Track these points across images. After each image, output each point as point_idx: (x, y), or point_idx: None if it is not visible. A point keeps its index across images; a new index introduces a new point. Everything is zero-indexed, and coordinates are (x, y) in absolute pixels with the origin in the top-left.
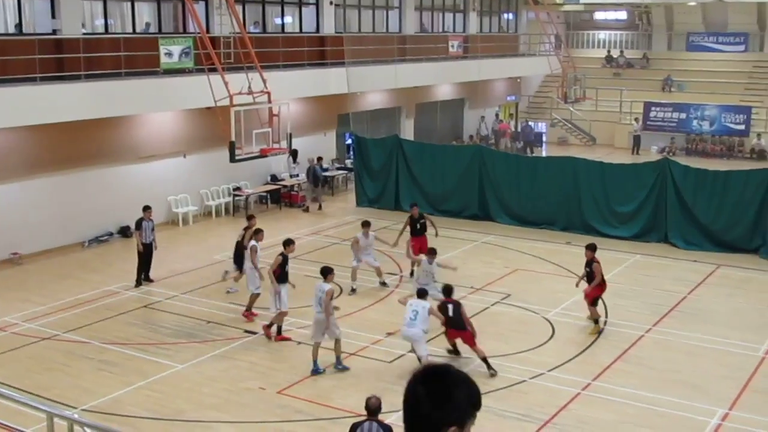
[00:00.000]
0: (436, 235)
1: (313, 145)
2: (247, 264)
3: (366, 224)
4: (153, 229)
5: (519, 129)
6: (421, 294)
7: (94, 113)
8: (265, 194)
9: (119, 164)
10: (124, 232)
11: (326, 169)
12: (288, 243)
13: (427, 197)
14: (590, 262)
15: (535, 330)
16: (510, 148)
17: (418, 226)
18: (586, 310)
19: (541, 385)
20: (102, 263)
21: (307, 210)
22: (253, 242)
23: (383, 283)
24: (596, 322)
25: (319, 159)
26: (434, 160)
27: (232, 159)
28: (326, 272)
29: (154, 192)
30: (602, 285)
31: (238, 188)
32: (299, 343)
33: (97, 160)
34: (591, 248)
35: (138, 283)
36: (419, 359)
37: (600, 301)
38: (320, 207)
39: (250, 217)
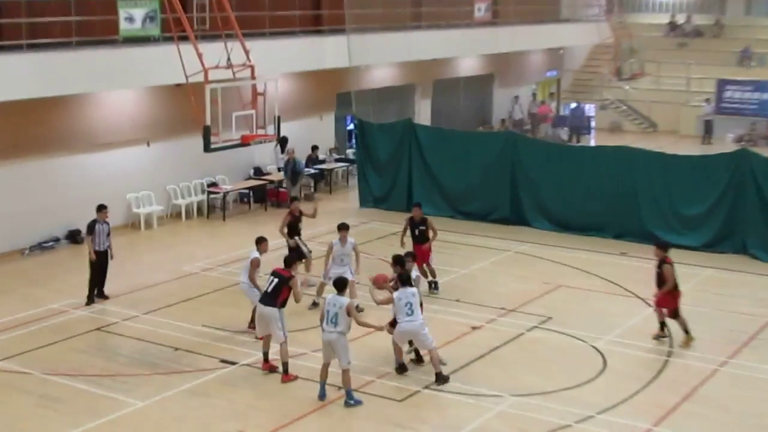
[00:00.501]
0: (429, 247)
1: (307, 131)
2: (243, 278)
3: (343, 227)
4: (109, 234)
5: (564, 112)
6: (405, 281)
7: (38, 91)
8: (246, 191)
9: (68, 154)
10: (74, 237)
11: (322, 161)
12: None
13: (446, 196)
14: (661, 263)
15: (582, 361)
16: (552, 135)
17: (417, 232)
18: (646, 337)
19: (590, 430)
20: (46, 275)
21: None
22: (256, 254)
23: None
24: (686, 332)
25: (314, 148)
26: (456, 151)
27: (207, 148)
28: (343, 284)
29: (110, 188)
30: (677, 291)
31: (213, 184)
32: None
33: (41, 149)
34: (662, 247)
35: (90, 301)
36: (420, 358)
37: (664, 318)
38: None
39: (293, 199)
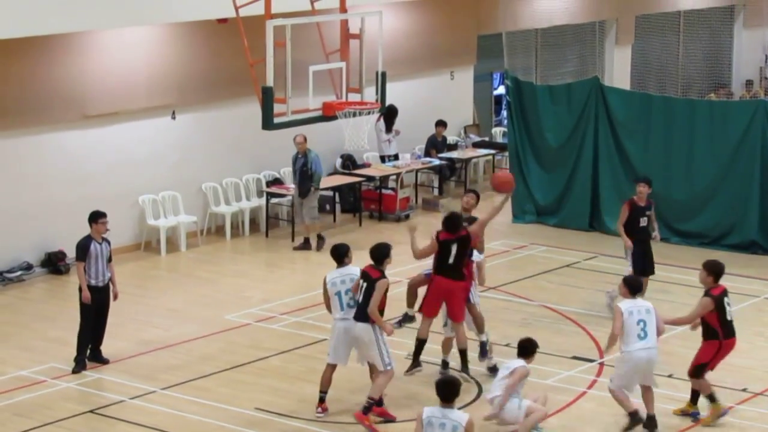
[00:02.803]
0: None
1: (429, 97)
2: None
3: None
4: (110, 259)
5: None
6: (637, 287)
7: (2, 31)
8: (330, 193)
9: (43, 130)
10: (54, 263)
11: (453, 146)
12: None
13: (655, 207)
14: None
15: None
16: None
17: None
18: None
19: None
20: (11, 325)
21: (406, 217)
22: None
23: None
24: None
25: (440, 125)
26: (671, 132)
27: (268, 123)
28: (454, 390)
29: (112, 186)
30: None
31: (277, 181)
32: None
33: (4, 122)
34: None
35: (80, 366)
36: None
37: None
38: (310, 241)
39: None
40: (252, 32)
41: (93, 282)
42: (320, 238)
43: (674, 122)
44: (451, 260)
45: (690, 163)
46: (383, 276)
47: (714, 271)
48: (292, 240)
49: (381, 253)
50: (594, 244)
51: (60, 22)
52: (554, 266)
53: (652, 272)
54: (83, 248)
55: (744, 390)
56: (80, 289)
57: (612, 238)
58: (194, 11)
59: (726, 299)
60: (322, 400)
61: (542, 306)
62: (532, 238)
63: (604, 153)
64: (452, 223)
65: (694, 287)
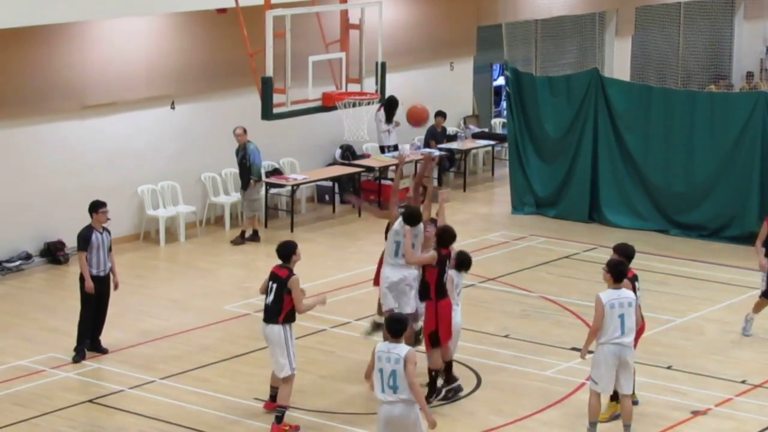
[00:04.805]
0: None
1: (429, 87)
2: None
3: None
4: (110, 249)
5: None
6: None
7: (0, 21)
8: (329, 184)
9: (42, 120)
10: (53, 253)
11: (452, 137)
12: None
13: (654, 198)
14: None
15: None
16: None
17: None
18: None
19: None
20: (10, 315)
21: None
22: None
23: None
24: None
25: (440, 116)
26: (671, 123)
27: (267, 113)
28: (401, 326)
29: (112, 176)
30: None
31: (276, 172)
32: None
33: (2, 112)
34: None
35: (79, 356)
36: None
37: None
38: (250, 235)
39: (242, 235)
40: (251, 22)
41: (94, 272)
42: (250, 234)
43: (674, 114)
44: (445, 278)
45: (690, 154)
46: (292, 273)
47: (624, 256)
48: (291, 230)
49: (288, 251)
50: (593, 235)
51: (59, 11)
52: (553, 257)
53: None
54: (85, 238)
55: (743, 382)
56: (81, 279)
57: (611, 230)
58: (194, 1)
59: (636, 283)
60: None
61: (541, 297)
62: (531, 229)
63: (604, 144)
64: (448, 236)
65: (693, 279)
